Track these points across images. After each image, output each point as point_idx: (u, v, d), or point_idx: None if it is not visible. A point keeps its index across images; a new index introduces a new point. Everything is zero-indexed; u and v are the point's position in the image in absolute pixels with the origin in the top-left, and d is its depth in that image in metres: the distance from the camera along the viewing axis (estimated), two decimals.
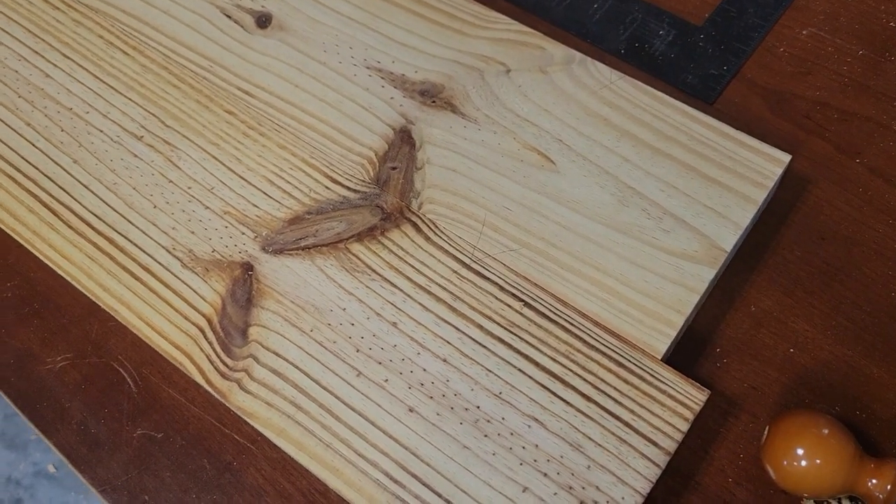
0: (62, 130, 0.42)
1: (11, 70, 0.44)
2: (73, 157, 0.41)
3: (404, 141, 0.40)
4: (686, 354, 0.37)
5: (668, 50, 0.46)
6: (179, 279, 0.37)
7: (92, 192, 0.40)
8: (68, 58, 0.44)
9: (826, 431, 0.30)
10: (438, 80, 0.42)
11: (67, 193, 0.40)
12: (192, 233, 0.39)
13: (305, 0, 0.45)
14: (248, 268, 0.37)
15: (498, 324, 0.35)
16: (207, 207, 0.39)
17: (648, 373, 0.34)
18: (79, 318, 0.39)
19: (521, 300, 0.35)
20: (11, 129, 0.42)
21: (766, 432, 0.33)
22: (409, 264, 0.37)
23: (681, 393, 0.33)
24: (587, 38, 0.47)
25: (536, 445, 0.32)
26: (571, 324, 0.35)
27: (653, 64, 0.45)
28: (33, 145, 0.42)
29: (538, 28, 0.45)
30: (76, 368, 0.37)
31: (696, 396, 0.33)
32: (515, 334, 0.35)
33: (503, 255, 0.37)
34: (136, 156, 0.41)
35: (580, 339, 0.35)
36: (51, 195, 0.40)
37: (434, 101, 0.41)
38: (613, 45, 0.46)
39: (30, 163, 0.41)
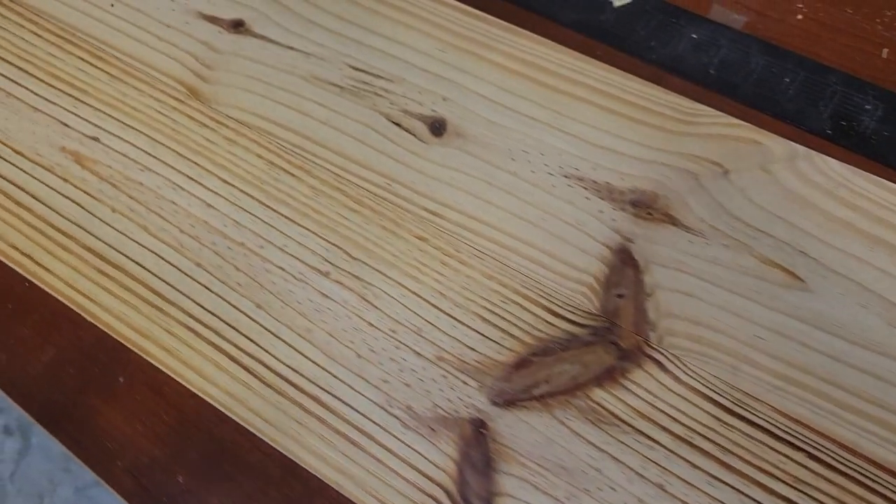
0: (237, 270, 0.39)
1: (168, 202, 0.41)
2: (256, 301, 0.38)
3: (626, 262, 0.36)
4: None
5: (880, 127, 0.42)
6: (403, 442, 0.34)
7: (284, 341, 0.37)
8: (228, 183, 0.41)
9: None
10: (649, 188, 0.38)
11: (256, 344, 0.37)
12: (408, 385, 0.35)
13: (479, 100, 0.41)
14: (478, 424, 0.34)
15: (781, 480, 0.32)
16: (419, 354, 0.36)
17: None
18: (278, 481, 0.36)
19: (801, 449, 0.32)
20: (181, 271, 0.39)
21: None
22: (662, 411, 0.33)
23: None
24: (785, 119, 0.43)
25: None
26: (866, 476, 0.31)
27: (866, 145, 0.42)
28: (208, 289, 0.38)
29: (726, 109, 0.41)
30: None
31: None
32: (805, 493, 0.31)
33: (768, 395, 0.33)
34: (325, 295, 0.37)
35: (882, 495, 0.31)
36: (237, 347, 0.37)
37: (650, 214, 0.37)
38: (816, 125, 0.43)
39: (207, 309, 0.38)
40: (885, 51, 0.45)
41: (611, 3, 0.47)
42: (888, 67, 0.44)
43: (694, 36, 0.46)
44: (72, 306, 0.39)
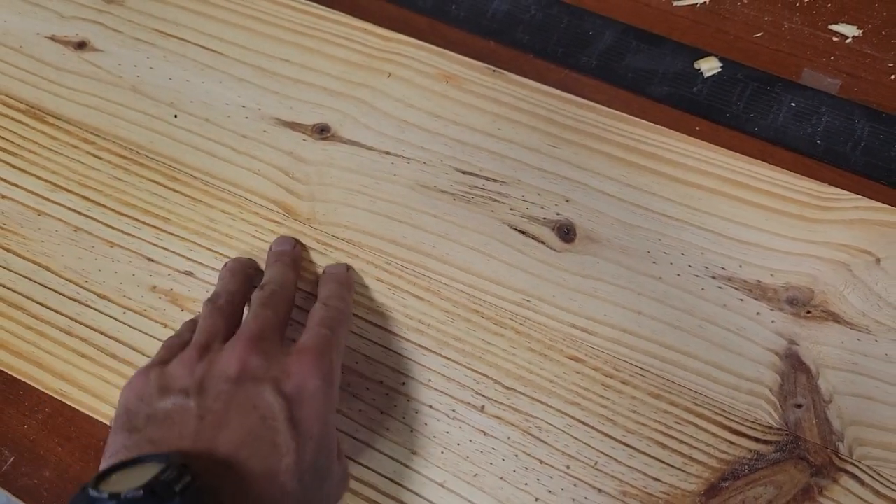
0: (382, 413, 0.37)
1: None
2: (412, 448, 0.36)
3: (796, 368, 0.36)
4: None
5: None
6: None
7: (451, 490, 0.35)
8: (352, 314, 0.39)
9: None
10: (802, 283, 0.38)
11: (422, 498, 0.35)
12: None
13: (605, 199, 0.40)
14: None
15: None
16: (601, 491, 0.35)
17: None
18: None
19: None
20: None
21: None
22: None
23: None
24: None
25: None
26: None
27: None
28: (353, 437, 0.36)
29: (840, 182, 0.42)
30: None
31: None
32: None
33: None
34: (485, 433, 0.36)
35: None
36: (400, 502, 0.35)
37: (809, 312, 0.37)
38: None
39: (361, 464, 0.36)
40: None
41: (701, 73, 0.46)
42: None
43: (793, 104, 0.46)
44: None
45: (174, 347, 0.34)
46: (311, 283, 0.40)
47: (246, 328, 0.34)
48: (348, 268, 0.40)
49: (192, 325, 0.37)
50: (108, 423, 0.39)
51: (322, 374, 0.32)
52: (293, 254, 0.40)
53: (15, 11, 0.48)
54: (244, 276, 0.39)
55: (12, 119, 0.45)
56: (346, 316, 0.37)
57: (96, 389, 0.39)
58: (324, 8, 0.46)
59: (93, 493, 0.26)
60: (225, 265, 0.40)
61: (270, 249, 0.41)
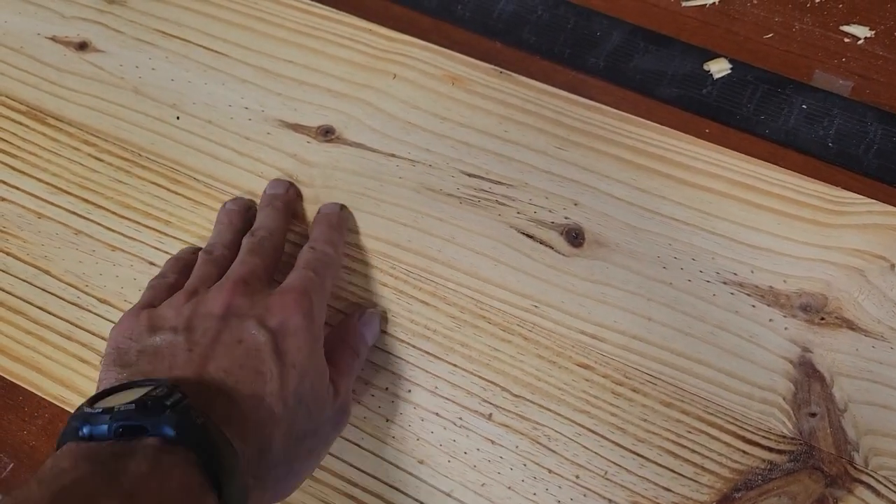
0: (387, 420, 0.36)
1: None
2: (418, 457, 0.35)
3: (810, 376, 0.35)
4: None
5: None
6: None
7: (459, 500, 0.35)
8: None
9: None
10: (815, 289, 0.37)
11: None
12: None
13: (614, 203, 0.40)
14: None
15: None
16: (611, 501, 0.34)
17: None
18: None
19: None
20: None
21: None
22: None
23: None
24: None
25: None
26: None
27: None
28: (358, 445, 0.36)
29: (852, 185, 0.41)
30: None
31: None
32: None
33: None
34: (493, 442, 0.35)
35: None
36: None
37: (823, 319, 0.37)
38: None
39: (364, 471, 0.35)
40: None
41: (711, 74, 0.46)
42: None
43: (804, 106, 0.45)
44: None
45: (158, 288, 0.36)
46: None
47: (233, 273, 0.35)
48: (342, 207, 0.41)
49: (175, 265, 0.38)
50: None
51: (303, 311, 0.33)
52: (286, 197, 0.41)
53: (15, 11, 0.47)
54: (241, 223, 0.40)
55: (12, 120, 0.44)
56: (333, 259, 0.38)
57: None
58: (327, 8, 0.46)
59: (87, 409, 0.27)
60: (223, 207, 0.41)
61: (265, 192, 0.41)
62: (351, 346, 0.36)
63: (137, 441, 0.26)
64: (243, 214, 0.40)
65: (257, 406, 0.30)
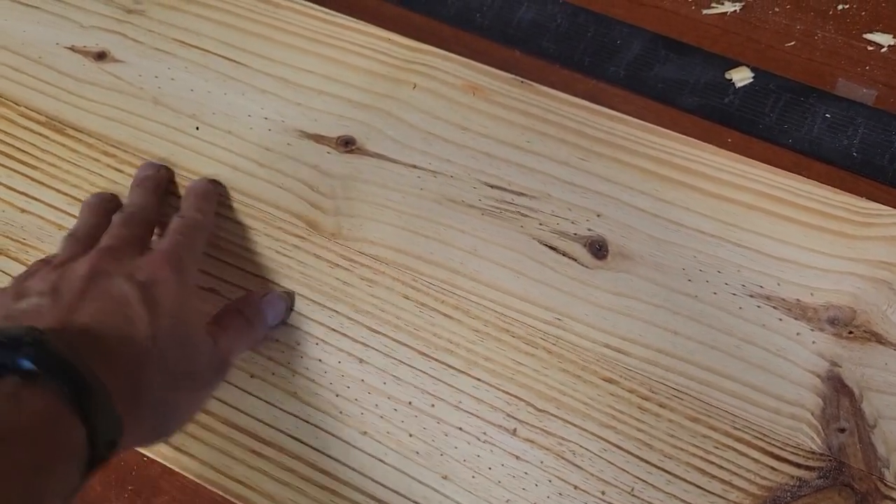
0: (411, 436, 0.36)
1: (314, 360, 0.38)
2: (442, 473, 0.35)
3: (838, 390, 0.35)
4: None
5: None
6: None
7: None
8: (377, 332, 0.38)
9: None
10: (843, 302, 0.37)
11: None
12: None
13: (637, 214, 0.39)
14: None
15: None
16: None
17: None
18: None
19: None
20: (346, 442, 0.36)
21: None
22: None
23: None
24: None
25: None
26: None
27: None
28: (382, 461, 0.35)
29: (877, 196, 0.40)
30: None
31: None
32: None
33: None
34: (517, 457, 0.35)
35: None
36: None
37: (851, 333, 0.36)
38: None
39: (388, 487, 0.35)
40: None
41: (733, 83, 0.45)
42: None
43: (828, 115, 0.45)
44: (225, 495, 0.35)
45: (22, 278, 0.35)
46: (329, 296, 0.39)
47: (101, 243, 0.35)
48: (210, 180, 0.42)
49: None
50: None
51: (172, 266, 0.34)
52: (157, 177, 0.41)
53: (34, 21, 0.47)
54: (103, 209, 0.40)
55: (32, 131, 0.44)
56: (201, 223, 0.39)
57: None
58: (347, 17, 0.45)
59: None
60: (84, 201, 0.41)
61: (135, 175, 0.42)
62: (243, 314, 0.36)
63: None
64: (104, 201, 0.40)
65: (127, 344, 0.30)
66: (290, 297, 0.39)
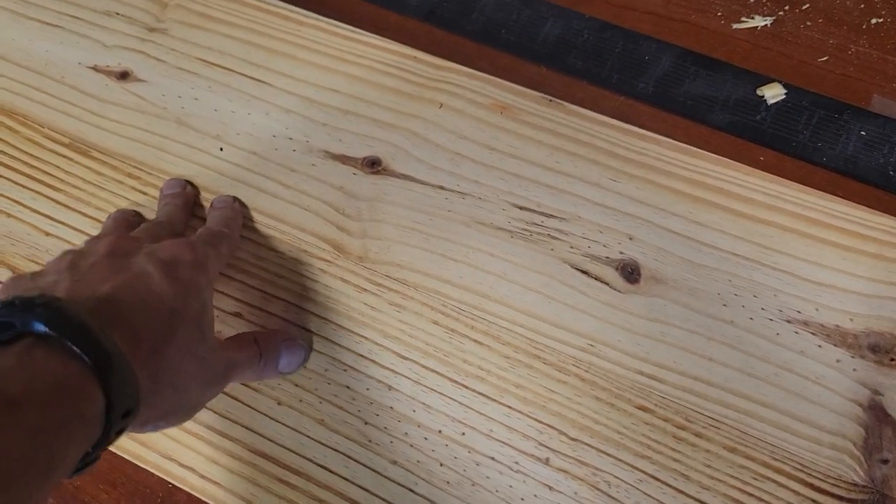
0: (441, 465, 0.35)
1: (342, 386, 0.37)
2: (472, 503, 0.34)
3: (881, 420, 0.34)
4: None
5: None
6: None
7: None
8: (406, 358, 0.37)
9: None
10: (884, 328, 0.36)
11: None
12: None
13: (670, 237, 0.39)
14: None
15: None
16: None
17: None
18: None
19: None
20: (376, 472, 0.35)
21: None
22: None
23: None
24: None
25: None
26: None
27: None
28: (412, 491, 0.35)
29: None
30: None
31: None
32: None
33: None
34: (550, 488, 0.34)
35: None
36: None
37: (893, 360, 0.35)
38: None
39: None
40: None
41: (765, 100, 0.44)
42: None
43: (863, 133, 0.44)
44: None
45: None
46: (357, 322, 0.38)
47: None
48: (234, 199, 0.41)
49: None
50: (154, 471, 0.37)
51: (194, 252, 0.33)
52: (184, 195, 0.41)
53: (57, 41, 0.46)
54: (127, 223, 0.39)
55: (56, 153, 0.44)
56: (227, 235, 0.38)
57: (143, 436, 0.38)
58: (372, 35, 0.45)
59: None
60: (109, 215, 0.40)
61: (161, 192, 0.42)
62: (257, 344, 0.36)
63: (6, 338, 0.25)
64: (129, 216, 0.40)
65: (148, 316, 0.29)
66: (308, 345, 0.38)
